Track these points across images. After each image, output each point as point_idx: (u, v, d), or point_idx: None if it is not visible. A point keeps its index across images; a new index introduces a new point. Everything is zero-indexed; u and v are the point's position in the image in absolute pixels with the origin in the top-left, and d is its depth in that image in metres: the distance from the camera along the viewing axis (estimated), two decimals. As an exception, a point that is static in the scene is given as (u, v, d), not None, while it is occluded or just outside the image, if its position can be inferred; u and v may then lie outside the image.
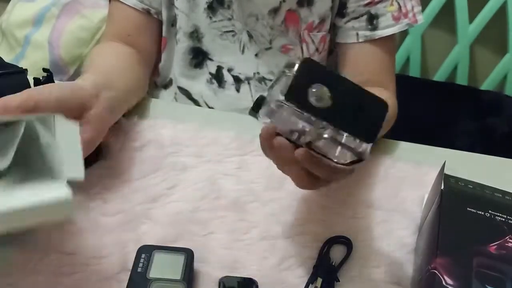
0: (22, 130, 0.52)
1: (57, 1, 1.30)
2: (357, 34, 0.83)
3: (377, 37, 0.82)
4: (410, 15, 0.82)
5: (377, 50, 0.83)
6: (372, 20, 0.81)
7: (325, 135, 0.48)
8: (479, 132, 1.37)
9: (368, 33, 0.82)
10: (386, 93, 0.81)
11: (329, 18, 0.85)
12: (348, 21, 0.83)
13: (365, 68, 0.84)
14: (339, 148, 0.49)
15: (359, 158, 0.49)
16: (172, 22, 0.89)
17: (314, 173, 0.52)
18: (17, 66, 0.72)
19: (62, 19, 1.29)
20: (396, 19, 0.82)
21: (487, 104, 1.43)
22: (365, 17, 0.82)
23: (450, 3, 1.39)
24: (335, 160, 0.49)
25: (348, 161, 0.49)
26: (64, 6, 1.29)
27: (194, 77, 0.91)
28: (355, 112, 0.50)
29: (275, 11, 0.83)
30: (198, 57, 0.90)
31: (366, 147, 0.49)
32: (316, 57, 0.87)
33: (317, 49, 0.87)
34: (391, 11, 0.81)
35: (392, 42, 0.85)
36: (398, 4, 0.81)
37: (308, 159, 0.50)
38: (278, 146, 0.51)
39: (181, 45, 0.89)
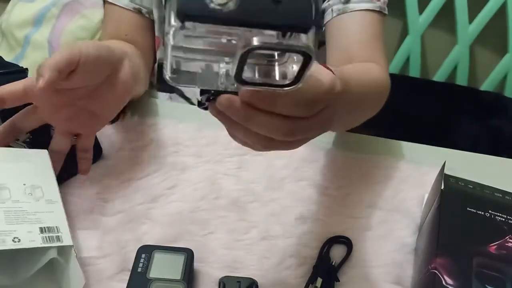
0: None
1: (57, 1, 1.30)
2: (332, 10, 0.82)
3: (349, 10, 0.81)
4: (382, 1, 0.82)
5: (354, 24, 0.82)
6: None
7: (255, 42, 0.35)
8: (482, 133, 1.37)
9: (341, 6, 0.82)
10: (377, 67, 0.80)
11: None
12: (326, 1, 0.83)
13: (347, 43, 0.82)
14: (275, 54, 0.39)
15: (306, 59, 0.37)
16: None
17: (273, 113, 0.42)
18: (18, 66, 0.72)
19: (62, 19, 1.29)
20: None
21: (488, 105, 1.43)
22: None
23: (450, 3, 1.39)
24: (278, 81, 0.39)
25: (295, 71, 0.38)
26: (64, 6, 1.29)
27: None
28: (270, 5, 0.37)
29: None
30: None
31: (305, 38, 0.38)
32: None
33: None
34: None
35: (373, 20, 0.82)
36: None
37: (255, 96, 0.41)
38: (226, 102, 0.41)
39: None
